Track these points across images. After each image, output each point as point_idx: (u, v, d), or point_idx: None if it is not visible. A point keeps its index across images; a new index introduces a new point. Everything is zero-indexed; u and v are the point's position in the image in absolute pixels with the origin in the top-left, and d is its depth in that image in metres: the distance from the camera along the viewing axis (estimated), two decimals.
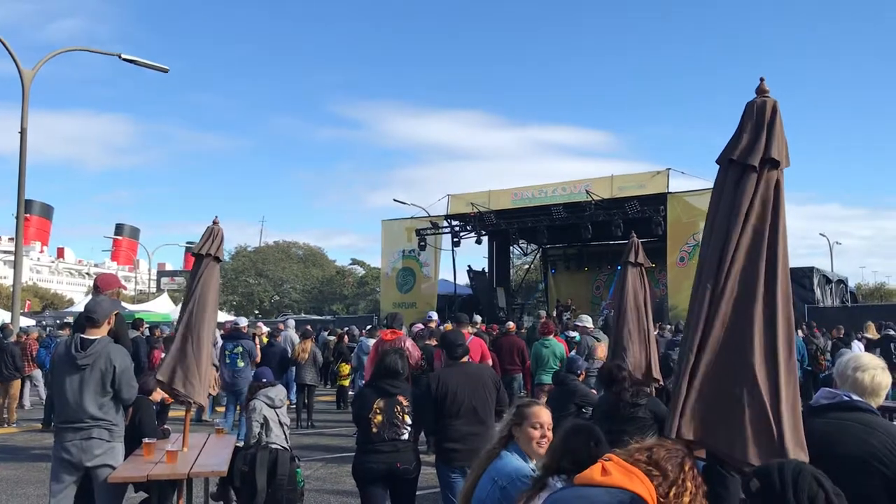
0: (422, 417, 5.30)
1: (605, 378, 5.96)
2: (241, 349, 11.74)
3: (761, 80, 3.10)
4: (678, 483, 2.23)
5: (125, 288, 57.48)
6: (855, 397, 3.01)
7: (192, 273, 6.25)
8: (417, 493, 5.48)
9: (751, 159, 2.97)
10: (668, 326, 17.43)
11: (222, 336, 13.03)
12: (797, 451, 2.71)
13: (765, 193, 2.97)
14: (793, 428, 2.77)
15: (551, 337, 11.52)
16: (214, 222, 6.40)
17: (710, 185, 20.01)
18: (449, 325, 13.62)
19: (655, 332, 8.80)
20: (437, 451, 5.39)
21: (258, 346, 12.63)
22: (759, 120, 3.02)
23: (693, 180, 24.50)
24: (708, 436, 2.90)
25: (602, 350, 10.82)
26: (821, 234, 53.13)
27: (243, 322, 13.02)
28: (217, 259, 6.26)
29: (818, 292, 24.18)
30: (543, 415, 3.52)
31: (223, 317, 28.19)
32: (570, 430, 2.85)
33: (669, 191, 23.85)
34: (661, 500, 2.21)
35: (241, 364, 11.52)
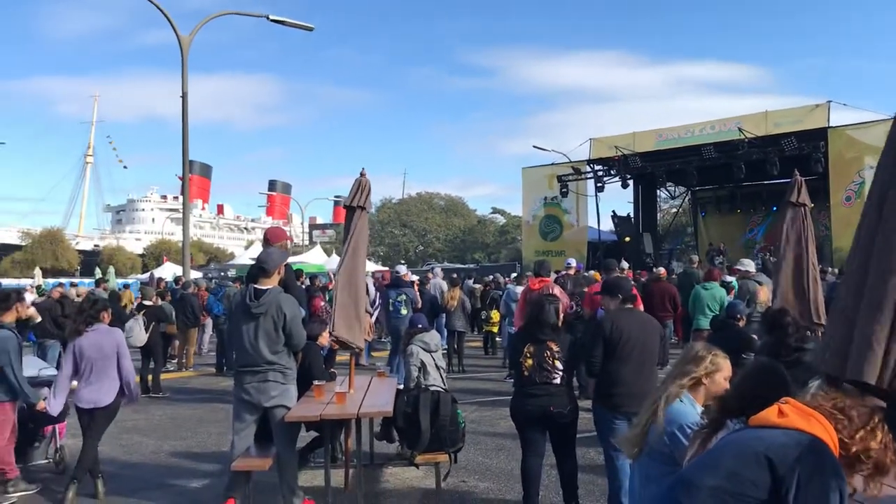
0: (588, 359, 5.32)
1: (768, 323, 5.75)
2: (404, 297, 12.19)
3: None
4: (866, 429, 2.15)
5: (292, 240, 60.50)
6: None
7: (346, 225, 6.50)
8: (578, 436, 5.54)
9: None
10: (831, 269, 16.49)
11: (386, 285, 13.50)
12: None
13: None
14: None
15: (714, 282, 11.18)
16: (362, 174, 6.59)
17: (877, 116, 18.51)
18: (597, 273, 13.47)
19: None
20: (598, 395, 5.40)
21: (419, 294, 13.08)
22: None
23: (856, 112, 22.83)
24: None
25: (765, 293, 10.36)
26: None
27: (404, 271, 13.43)
28: (365, 209, 6.49)
29: None
30: (731, 369, 3.52)
31: (372, 267, 29.16)
32: (758, 371, 2.78)
33: (830, 125, 22.29)
34: (846, 441, 2.15)
35: (404, 311, 11.94)
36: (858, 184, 21.65)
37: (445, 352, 14.07)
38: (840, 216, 22.03)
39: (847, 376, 2.79)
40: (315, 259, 32.87)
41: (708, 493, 2.14)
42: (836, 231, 22.21)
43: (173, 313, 13.02)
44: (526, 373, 5.35)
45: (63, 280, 24.93)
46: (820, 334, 7.31)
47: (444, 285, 15.13)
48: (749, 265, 11.42)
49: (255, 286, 5.57)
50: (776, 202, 24.37)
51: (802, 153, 21.09)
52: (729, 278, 12.00)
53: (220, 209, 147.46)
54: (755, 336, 7.51)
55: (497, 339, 15.87)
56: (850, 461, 2.16)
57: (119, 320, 12.11)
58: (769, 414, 2.22)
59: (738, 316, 7.24)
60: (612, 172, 27.72)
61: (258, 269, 5.64)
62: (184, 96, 18.83)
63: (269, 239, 6.34)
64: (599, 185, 27.69)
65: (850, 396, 2.27)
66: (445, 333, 14.33)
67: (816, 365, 5.24)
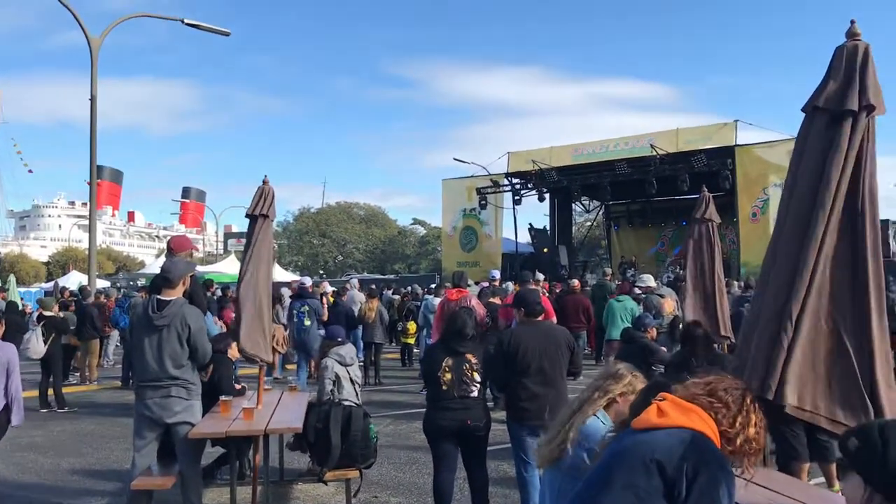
0: (492, 373, 5.32)
1: (680, 335, 5.88)
2: (307, 308, 12.05)
3: (852, 22, 2.94)
4: (742, 414, 2.21)
5: (197, 249, 58.95)
6: None
7: (248, 234, 6.35)
8: (490, 448, 5.52)
9: (844, 105, 2.82)
10: (737, 283, 17.06)
11: (290, 296, 13.29)
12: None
13: (857, 141, 2.82)
14: (888, 386, 2.67)
15: (626, 295, 11.45)
16: (264, 182, 6.46)
17: (781, 136, 19.34)
18: (516, 285, 13.60)
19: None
20: (508, 409, 5.40)
21: (325, 306, 12.87)
22: (849, 65, 2.86)
23: (763, 132, 23.82)
24: (808, 399, 2.80)
25: (669, 305, 10.67)
26: (895, 185, 50.79)
27: (308, 282, 13.33)
28: (268, 217, 6.35)
29: (894, 246, 23.30)
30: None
31: (289, 277, 28.69)
32: (650, 388, 2.80)
33: (738, 143, 23.16)
34: (727, 431, 2.19)
35: (307, 322, 11.83)
36: (764, 200, 22.54)
37: (362, 364, 13.96)
38: (747, 232, 22.90)
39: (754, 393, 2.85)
40: (229, 269, 32.04)
41: None
42: (743, 246, 23.06)
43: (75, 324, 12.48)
44: (444, 387, 5.28)
45: None
46: (726, 347, 7.55)
47: (361, 296, 15.00)
48: (649, 280, 11.80)
49: (159, 297, 5.37)
50: (686, 217, 25.14)
51: (711, 170, 21.84)
52: (638, 291, 12.32)
53: (132, 216, 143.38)
54: (663, 348, 7.69)
55: (415, 350, 15.81)
56: (734, 448, 2.20)
57: (20, 332, 11.57)
58: (649, 415, 2.23)
59: (646, 328, 7.39)
60: (529, 186, 28.10)
61: (161, 280, 5.44)
62: (93, 99, 18.25)
63: (173, 248, 6.11)
64: (517, 198, 28.05)
65: (722, 379, 2.31)
66: (362, 346, 14.21)
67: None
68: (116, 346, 16.47)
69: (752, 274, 18.46)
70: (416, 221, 66.32)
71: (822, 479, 6.06)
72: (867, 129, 2.84)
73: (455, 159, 43.27)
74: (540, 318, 5.70)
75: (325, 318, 12.18)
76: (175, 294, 5.40)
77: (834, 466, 5.83)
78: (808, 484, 5.03)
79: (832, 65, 2.94)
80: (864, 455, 1.90)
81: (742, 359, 3.08)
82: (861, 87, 2.83)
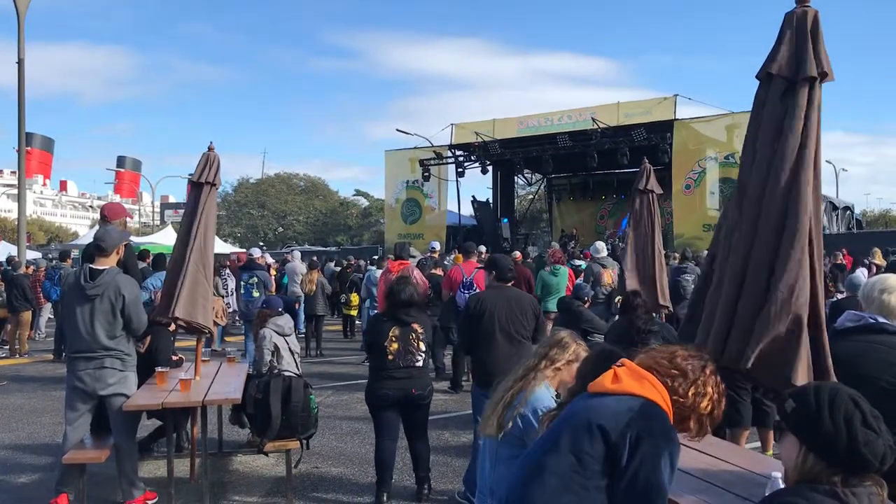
0: (459, 336, 5.35)
1: (620, 305, 5.95)
2: (256, 279, 11.93)
3: None
4: (697, 384, 2.22)
5: (132, 217, 57.47)
6: (881, 319, 2.96)
7: (193, 201, 6.09)
8: (432, 418, 5.54)
9: (800, 72, 2.82)
10: (674, 254, 17.40)
11: (240, 267, 13.12)
12: (826, 374, 2.68)
13: (814, 108, 2.84)
14: (820, 350, 2.74)
15: (559, 265, 11.48)
16: (210, 148, 6.25)
17: (718, 111, 19.66)
18: (460, 256, 13.61)
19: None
20: (473, 374, 5.44)
21: (273, 277, 12.77)
22: (800, 30, 2.87)
23: (700, 107, 24.21)
24: (753, 364, 2.84)
25: (609, 276, 10.80)
26: (827, 160, 52.29)
27: (257, 253, 13.17)
28: (214, 185, 6.16)
29: (825, 219, 24.06)
30: None
31: (229, 248, 28.20)
32: (598, 354, 2.82)
33: (676, 117, 23.50)
34: (680, 399, 2.21)
35: (256, 294, 11.70)
36: (698, 173, 22.97)
37: (304, 336, 13.87)
38: (680, 204, 23.32)
39: (721, 363, 2.87)
40: (166, 240, 31.32)
41: (550, 473, 2.12)
42: (676, 218, 23.48)
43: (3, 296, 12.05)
44: (391, 356, 5.28)
45: None
46: (664, 316, 7.69)
47: (302, 268, 14.83)
48: (602, 249, 11.86)
49: (91, 266, 5.20)
50: (625, 191, 25.47)
51: (651, 144, 22.09)
52: (578, 262, 12.42)
53: (63, 185, 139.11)
54: (598, 317, 7.78)
55: (357, 322, 15.75)
56: (684, 417, 2.23)
57: None
58: (604, 380, 2.25)
59: (584, 298, 7.46)
60: (472, 158, 28.06)
61: (95, 248, 5.28)
62: (20, 63, 17.60)
63: (107, 216, 5.90)
64: (460, 170, 27.97)
65: (687, 349, 2.33)
66: (304, 318, 14.09)
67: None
68: (49, 318, 15.98)
69: (687, 244, 18.86)
70: (358, 193, 65.77)
71: (758, 444, 6.25)
72: (818, 97, 2.87)
73: (398, 130, 42.94)
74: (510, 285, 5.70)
75: (273, 289, 12.07)
76: (109, 263, 5.25)
77: (771, 433, 6.02)
78: (743, 448, 5.18)
79: (783, 30, 2.92)
80: (799, 416, 1.95)
81: (699, 328, 3.09)
82: (815, 54, 2.84)
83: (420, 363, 5.36)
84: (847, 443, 1.86)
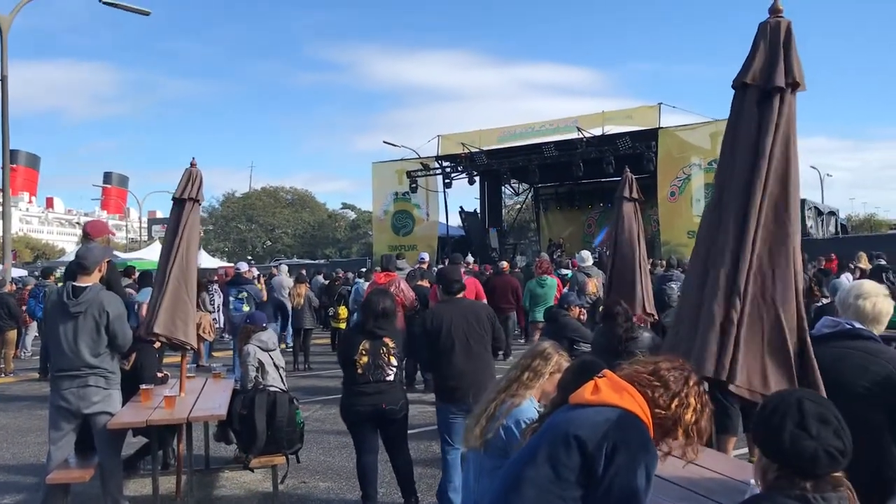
0: (418, 353, 5.30)
1: (602, 314, 5.96)
2: (245, 294, 11.84)
3: None
4: (681, 396, 2.22)
5: (114, 234, 57.19)
6: (857, 325, 2.99)
7: (175, 218, 6.08)
8: (412, 431, 5.50)
9: (772, 81, 2.85)
10: (660, 262, 17.45)
11: (227, 282, 13.06)
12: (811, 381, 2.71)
13: (786, 117, 2.87)
14: (801, 358, 2.76)
15: (547, 276, 11.52)
16: (192, 164, 6.26)
17: (703, 119, 19.73)
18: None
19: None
20: (436, 391, 5.38)
21: (263, 289, 12.74)
22: (773, 40, 2.90)
23: (685, 115, 24.28)
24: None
25: (593, 285, 10.83)
26: (811, 166, 52.90)
27: (244, 267, 13.11)
28: (198, 201, 6.16)
29: (810, 224, 24.21)
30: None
31: (216, 263, 28.11)
32: (579, 366, 2.83)
33: (661, 126, 23.62)
34: (662, 412, 2.20)
35: (246, 308, 11.60)
36: (682, 180, 23.08)
37: (291, 349, 13.82)
38: (666, 211, 23.41)
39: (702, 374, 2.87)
40: (153, 255, 31.20)
41: (528, 484, 2.13)
42: (663, 225, 23.57)
43: None
44: (360, 370, 5.21)
45: None
46: (649, 325, 7.69)
47: (289, 282, 14.80)
48: (587, 258, 11.88)
49: (74, 284, 5.18)
50: (612, 199, 25.45)
51: (636, 152, 22.17)
52: (565, 271, 12.44)
53: (50, 202, 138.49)
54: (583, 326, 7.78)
55: None
56: (668, 428, 2.22)
57: None
58: (584, 391, 2.25)
59: (569, 306, 7.46)
60: (459, 169, 28.09)
61: (77, 266, 5.27)
62: (3, 79, 17.53)
63: (90, 233, 5.90)
64: (447, 181, 28.00)
65: (670, 360, 2.33)
66: (291, 332, 14.04)
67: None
68: (35, 336, 15.87)
69: (673, 252, 18.91)
70: (345, 206, 65.84)
71: (745, 451, 6.26)
72: (790, 106, 2.90)
73: (385, 142, 42.95)
74: (462, 296, 5.68)
75: (265, 299, 12.06)
76: (91, 280, 5.23)
77: None
78: (727, 455, 5.19)
79: (756, 40, 2.96)
80: (760, 427, 1.99)
81: (683, 338, 3.09)
82: (787, 64, 2.87)
83: (391, 377, 5.26)
84: (778, 443, 1.91)
